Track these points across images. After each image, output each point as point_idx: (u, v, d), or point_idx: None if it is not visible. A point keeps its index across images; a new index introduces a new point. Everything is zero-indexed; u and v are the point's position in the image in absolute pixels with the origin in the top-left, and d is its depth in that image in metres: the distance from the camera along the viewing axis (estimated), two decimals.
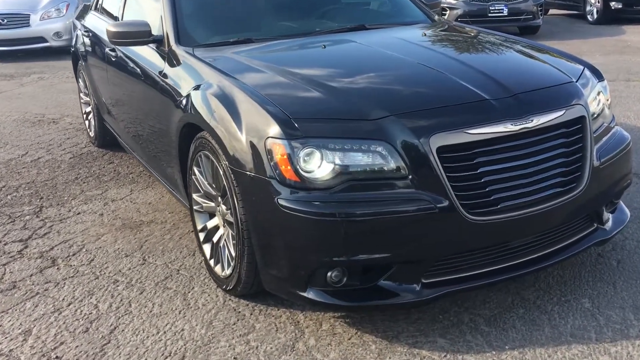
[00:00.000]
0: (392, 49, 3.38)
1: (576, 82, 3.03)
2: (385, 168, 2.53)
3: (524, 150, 2.67)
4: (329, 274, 2.57)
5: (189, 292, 3.20)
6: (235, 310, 3.01)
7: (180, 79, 3.35)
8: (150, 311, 3.04)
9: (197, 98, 3.07)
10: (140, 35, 3.63)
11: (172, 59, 3.52)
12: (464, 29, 4.12)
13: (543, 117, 2.71)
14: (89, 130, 6.06)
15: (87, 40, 5.39)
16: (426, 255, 2.60)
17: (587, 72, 3.23)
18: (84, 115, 6.17)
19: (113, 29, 3.64)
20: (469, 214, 2.55)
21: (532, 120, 2.67)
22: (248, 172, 2.66)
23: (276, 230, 2.59)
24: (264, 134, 2.59)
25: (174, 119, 3.32)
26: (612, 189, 3.05)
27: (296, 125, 2.56)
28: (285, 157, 2.52)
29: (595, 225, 3.06)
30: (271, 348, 2.70)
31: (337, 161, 2.52)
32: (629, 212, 3.37)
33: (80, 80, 6.04)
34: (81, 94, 6.15)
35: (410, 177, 2.52)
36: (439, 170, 2.51)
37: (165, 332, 2.86)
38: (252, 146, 2.64)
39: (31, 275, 3.44)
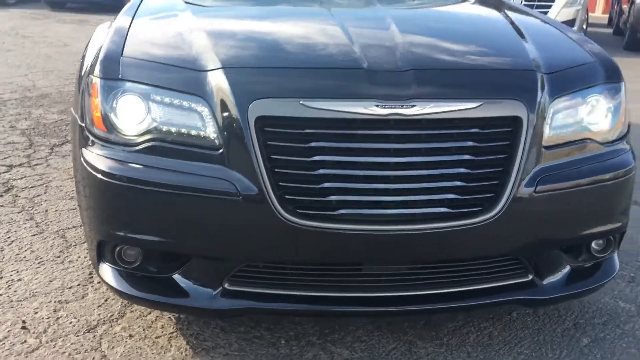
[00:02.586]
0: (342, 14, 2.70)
1: (546, 74, 2.11)
2: (199, 133, 1.96)
3: (395, 145, 1.91)
4: (117, 248, 2.09)
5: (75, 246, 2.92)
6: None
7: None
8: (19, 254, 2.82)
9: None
10: None
11: None
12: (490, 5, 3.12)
13: (434, 106, 1.91)
14: None
15: None
16: (227, 254, 1.99)
17: (590, 67, 2.27)
18: None
19: None
20: (289, 214, 1.89)
21: (412, 107, 1.90)
22: (74, 113, 2.29)
23: (78, 186, 2.18)
24: (91, 70, 2.18)
25: None
26: (568, 231, 2.11)
27: (119, 65, 2.09)
28: (97, 100, 2.08)
29: (531, 277, 2.15)
30: (72, 325, 2.31)
31: (149, 114, 2.01)
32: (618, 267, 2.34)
33: None
34: None
35: (221, 150, 1.94)
36: (254, 147, 1.88)
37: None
38: (83, 85, 2.25)
39: None
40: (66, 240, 2.95)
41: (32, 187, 3.62)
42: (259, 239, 1.95)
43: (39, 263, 2.74)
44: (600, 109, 2.20)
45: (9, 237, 2.97)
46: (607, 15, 17.23)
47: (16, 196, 3.47)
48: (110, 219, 2.04)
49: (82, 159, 2.08)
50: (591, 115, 2.17)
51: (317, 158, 1.89)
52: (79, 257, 2.80)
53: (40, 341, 2.21)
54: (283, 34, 2.36)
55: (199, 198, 1.93)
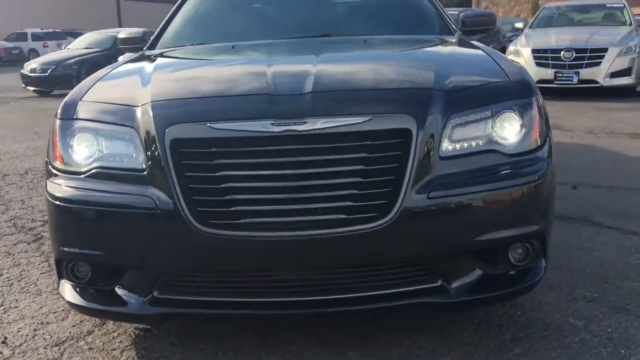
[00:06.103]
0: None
1: (443, 91, 2.28)
2: (130, 158, 2.28)
3: (292, 159, 2.14)
4: (70, 265, 2.39)
5: None
6: None
7: None
8: None
9: None
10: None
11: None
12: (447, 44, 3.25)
13: (324, 122, 2.13)
14: None
15: None
16: (152, 263, 2.25)
17: (499, 85, 2.41)
18: None
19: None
20: (201, 224, 2.13)
21: (304, 124, 2.13)
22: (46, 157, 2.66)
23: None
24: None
25: None
26: (468, 236, 2.21)
27: (76, 106, 2.47)
28: (57, 137, 2.46)
29: (440, 282, 2.25)
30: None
31: (97, 147, 2.36)
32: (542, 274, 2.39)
33: None
34: None
35: (146, 172, 2.23)
36: (169, 166, 2.17)
37: None
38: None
39: None
40: None
41: None
42: (177, 248, 2.20)
43: (37, 294, 3.10)
44: (508, 123, 2.32)
45: (21, 275, 3.37)
46: None
47: (42, 244, 3.91)
48: (63, 238, 2.36)
49: (45, 191, 2.44)
50: (499, 129, 2.30)
51: (221, 173, 2.14)
52: None
53: (13, 352, 2.52)
54: (213, 74, 2.74)
55: (127, 214, 2.22)
